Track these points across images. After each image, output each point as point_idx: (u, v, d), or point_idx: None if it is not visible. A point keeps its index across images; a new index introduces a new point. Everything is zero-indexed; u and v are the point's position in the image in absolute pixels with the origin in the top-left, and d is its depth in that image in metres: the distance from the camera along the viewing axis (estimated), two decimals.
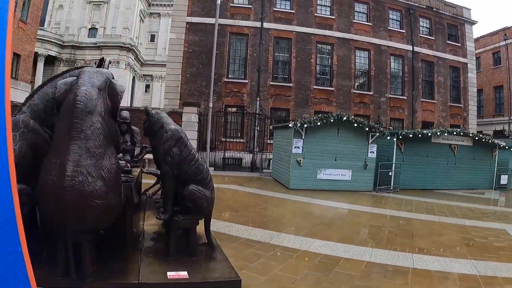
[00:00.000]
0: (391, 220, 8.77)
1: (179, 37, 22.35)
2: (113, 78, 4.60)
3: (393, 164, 13.70)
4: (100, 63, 5.44)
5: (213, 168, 17.75)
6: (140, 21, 52.56)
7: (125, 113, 8.10)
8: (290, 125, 13.06)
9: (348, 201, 10.88)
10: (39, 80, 42.85)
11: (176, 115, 17.86)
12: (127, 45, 47.21)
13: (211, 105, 17.38)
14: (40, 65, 43.57)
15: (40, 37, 42.90)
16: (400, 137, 13.90)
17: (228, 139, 20.82)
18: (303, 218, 8.49)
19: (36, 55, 42.61)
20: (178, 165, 4.84)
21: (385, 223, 8.43)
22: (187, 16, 22.32)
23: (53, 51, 45.18)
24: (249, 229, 7.00)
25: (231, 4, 22.69)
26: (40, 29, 44.84)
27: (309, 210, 9.46)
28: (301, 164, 12.53)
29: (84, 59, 46.26)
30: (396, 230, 7.78)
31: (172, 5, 32.76)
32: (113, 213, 4.05)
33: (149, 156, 6.50)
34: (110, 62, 5.73)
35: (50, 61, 45.51)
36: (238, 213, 8.54)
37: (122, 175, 4.68)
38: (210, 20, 20.81)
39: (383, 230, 7.79)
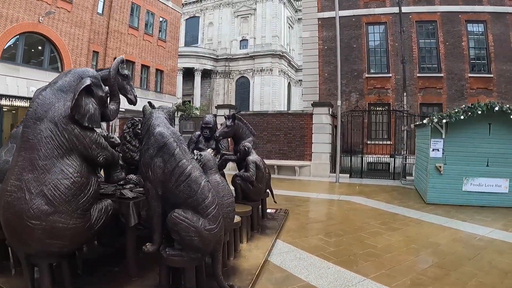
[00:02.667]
0: None
1: (312, 35, 21.10)
2: (94, 76, 3.96)
3: None
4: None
5: (348, 175, 15.93)
6: (289, 27, 52.78)
7: (208, 117, 7.48)
8: (424, 121, 10.45)
9: (501, 224, 7.86)
10: (197, 93, 46.24)
11: (306, 117, 16.72)
12: (278, 53, 47.66)
13: (339, 103, 15.39)
14: (198, 79, 47.70)
15: (194, 54, 46.84)
16: None
17: (371, 142, 18.61)
18: (419, 252, 6.07)
19: (193, 70, 46.18)
20: (163, 181, 3.76)
21: None
22: (318, 12, 20.93)
23: (209, 65, 48.42)
24: (323, 266, 5.22)
25: None
26: (194, 46, 48.89)
27: (437, 238, 6.85)
28: (441, 172, 9.72)
29: (238, 70, 48.41)
30: None
31: None
32: (68, 238, 3.44)
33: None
34: (122, 62, 4.84)
35: (207, 74, 48.80)
36: (331, 238, 6.72)
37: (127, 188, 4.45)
38: (343, 13, 18.96)
39: None
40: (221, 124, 7.55)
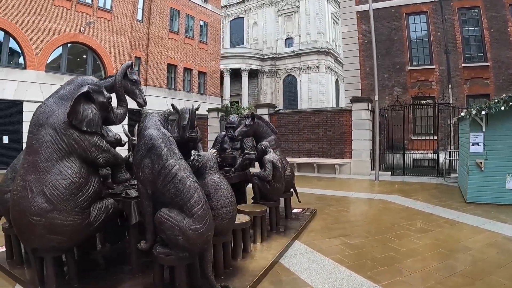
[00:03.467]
0: None
1: (351, 29, 20.63)
2: (94, 84, 4.23)
3: None
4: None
5: (390, 173, 15.33)
6: (333, 23, 51.69)
7: (232, 117, 7.62)
8: (462, 114, 9.77)
9: None
10: (245, 94, 46.46)
11: (345, 114, 16.30)
12: (324, 49, 47.01)
13: (376, 98, 14.74)
14: (245, 79, 48.10)
15: (240, 54, 46.92)
16: None
17: (415, 137, 17.80)
18: (446, 257, 5.53)
19: (240, 70, 46.46)
20: (152, 181, 3.90)
21: None
22: (355, 5, 20.37)
23: (255, 65, 48.59)
24: (335, 270, 4.92)
25: None
26: (240, 47, 49.11)
27: (469, 242, 6.25)
28: (482, 168, 8.97)
29: (285, 69, 48.14)
30: None
31: None
32: (67, 234, 3.72)
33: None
34: (129, 67, 5.20)
35: (254, 74, 49.07)
36: (353, 240, 6.35)
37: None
38: (381, 4, 18.47)
39: None
40: (240, 124, 7.45)
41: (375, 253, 5.64)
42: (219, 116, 20.86)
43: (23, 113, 17.56)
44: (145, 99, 5.61)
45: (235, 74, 47.98)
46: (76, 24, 20.24)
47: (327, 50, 47.37)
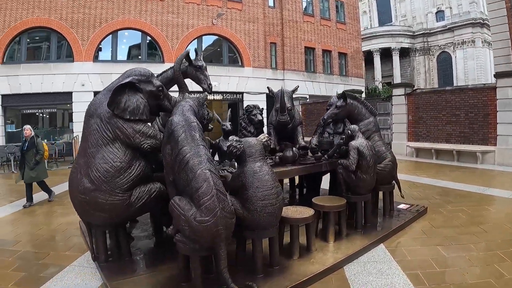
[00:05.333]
0: None
1: None
2: (141, 74, 4.55)
3: None
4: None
5: None
6: None
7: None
8: None
9: None
10: (397, 74, 44.02)
11: (489, 92, 13.90)
12: (478, 21, 41.05)
13: None
14: (396, 59, 45.20)
15: (389, 33, 44.38)
16: None
17: None
18: None
19: (390, 49, 44.14)
20: (172, 168, 3.90)
21: None
22: None
23: (405, 43, 45.16)
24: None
25: None
26: (389, 25, 46.41)
27: None
28: None
29: (438, 45, 44.06)
30: None
31: None
32: (108, 211, 4.14)
33: None
34: (188, 55, 5.53)
35: (405, 53, 45.79)
36: (450, 253, 4.96)
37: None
38: None
39: None
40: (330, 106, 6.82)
41: (467, 277, 4.20)
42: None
43: None
44: (210, 84, 5.73)
45: (385, 54, 45.27)
46: (208, 18, 21.69)
47: (481, 21, 40.98)
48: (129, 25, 20.05)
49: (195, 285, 3.71)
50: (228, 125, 6.15)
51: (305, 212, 4.80)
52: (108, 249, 4.64)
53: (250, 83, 22.57)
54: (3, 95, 18.09)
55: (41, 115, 20.67)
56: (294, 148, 6.06)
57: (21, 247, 5.53)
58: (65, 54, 19.30)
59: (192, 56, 5.82)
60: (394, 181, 6.70)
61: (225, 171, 4.86)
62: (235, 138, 4.23)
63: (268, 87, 6.63)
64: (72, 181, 4.27)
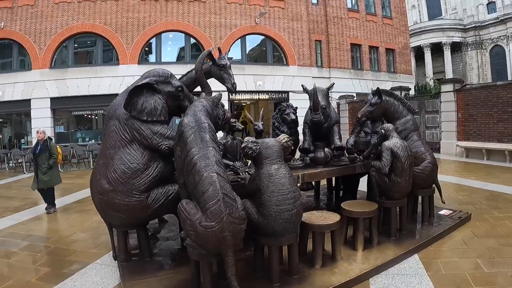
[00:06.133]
0: None
1: None
2: (159, 75, 4.55)
3: None
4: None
5: None
6: None
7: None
8: None
9: None
10: (448, 70, 42.21)
11: None
12: None
13: None
14: (447, 54, 43.22)
15: (439, 27, 42.59)
16: None
17: None
18: None
19: (440, 44, 42.40)
20: (182, 170, 3.74)
21: None
22: None
23: (457, 37, 42.93)
24: None
25: None
26: (439, 19, 44.54)
27: None
28: None
29: (490, 38, 41.74)
30: None
31: None
32: (125, 212, 4.16)
33: None
34: (209, 54, 5.36)
35: (456, 47, 43.79)
36: (492, 268, 4.40)
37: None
38: None
39: None
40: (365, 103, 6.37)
41: None
42: (403, 95, 19.21)
43: None
44: (234, 83, 5.54)
45: (436, 50, 43.33)
46: (251, 17, 21.61)
47: None
48: (172, 27, 20.38)
49: None
50: (260, 125, 5.99)
51: (330, 218, 4.48)
52: (129, 249, 4.76)
53: (295, 81, 22.07)
54: (52, 98, 18.86)
55: (90, 116, 21.39)
56: (326, 149, 5.77)
57: (52, 244, 5.81)
58: (111, 57, 19.92)
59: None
60: (434, 185, 6.12)
61: (247, 172, 4.76)
62: (250, 139, 3.97)
63: (302, 85, 6.27)
64: (92, 181, 4.37)
